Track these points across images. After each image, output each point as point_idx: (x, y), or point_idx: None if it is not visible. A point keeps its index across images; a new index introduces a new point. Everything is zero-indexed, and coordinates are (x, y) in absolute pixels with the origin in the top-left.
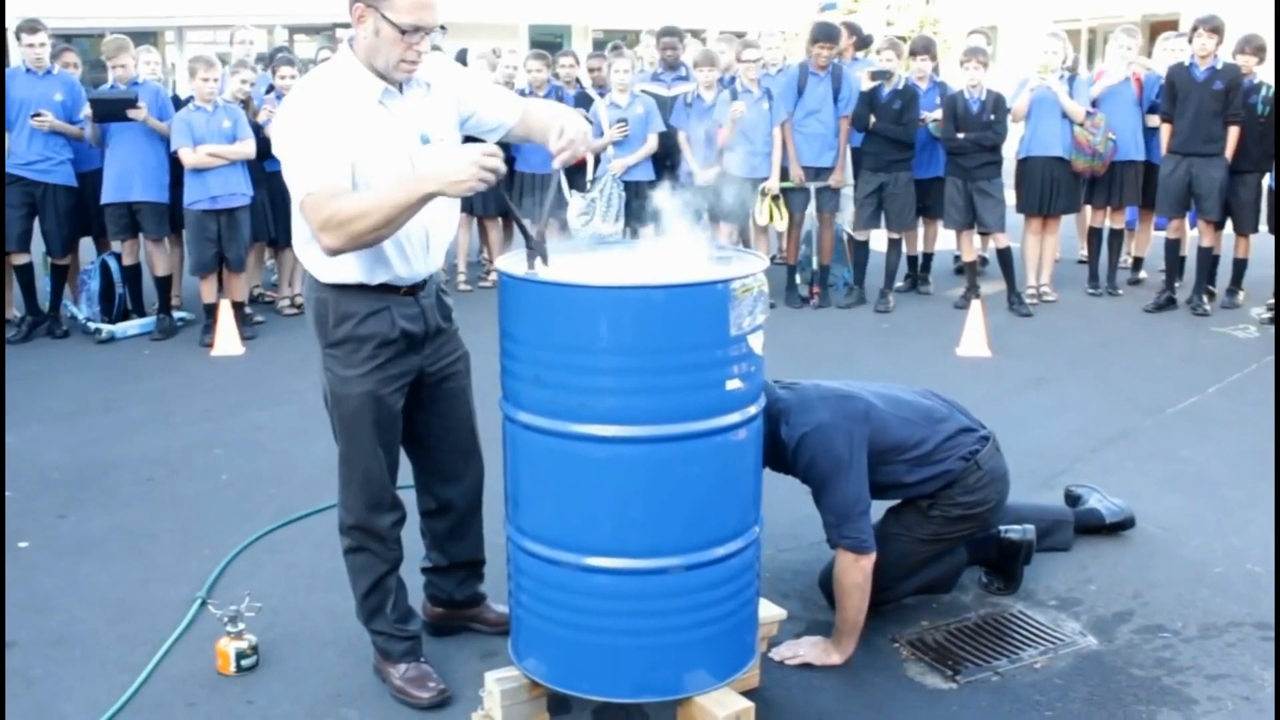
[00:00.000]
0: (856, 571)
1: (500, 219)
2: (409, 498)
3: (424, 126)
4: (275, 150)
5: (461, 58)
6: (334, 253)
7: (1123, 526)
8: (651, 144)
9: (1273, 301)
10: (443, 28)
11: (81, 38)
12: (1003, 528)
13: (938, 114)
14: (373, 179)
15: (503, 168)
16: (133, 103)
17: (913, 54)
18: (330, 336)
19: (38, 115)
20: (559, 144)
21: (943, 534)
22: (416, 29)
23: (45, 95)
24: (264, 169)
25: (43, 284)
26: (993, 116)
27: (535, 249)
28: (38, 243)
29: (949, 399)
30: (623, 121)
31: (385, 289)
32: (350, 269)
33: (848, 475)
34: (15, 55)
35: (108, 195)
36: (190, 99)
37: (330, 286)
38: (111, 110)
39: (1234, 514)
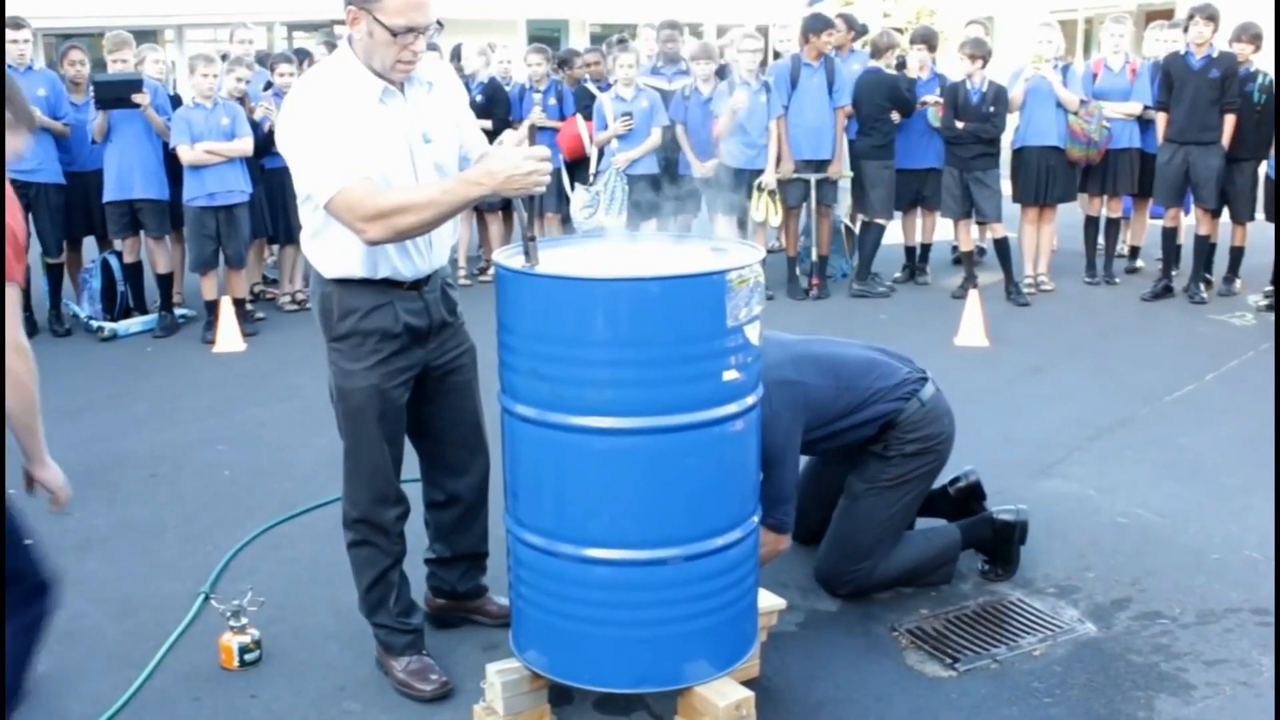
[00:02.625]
0: (774, 545)
1: (500, 213)
2: (412, 491)
3: (426, 125)
4: (282, 150)
5: (456, 53)
6: (375, 243)
7: (1010, 532)
8: (655, 138)
9: (1269, 289)
10: (439, 24)
11: (81, 36)
12: (996, 509)
13: (934, 99)
14: (376, 178)
15: (548, 156)
16: (138, 85)
17: (912, 44)
18: (334, 331)
19: None
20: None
21: (905, 475)
22: (409, 30)
23: (29, 92)
24: (262, 166)
25: (40, 284)
26: (992, 109)
27: (530, 245)
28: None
29: (895, 354)
30: (627, 115)
31: (389, 284)
32: (353, 264)
33: (784, 464)
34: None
35: (109, 194)
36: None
37: (334, 281)
38: (116, 93)
39: (1231, 500)
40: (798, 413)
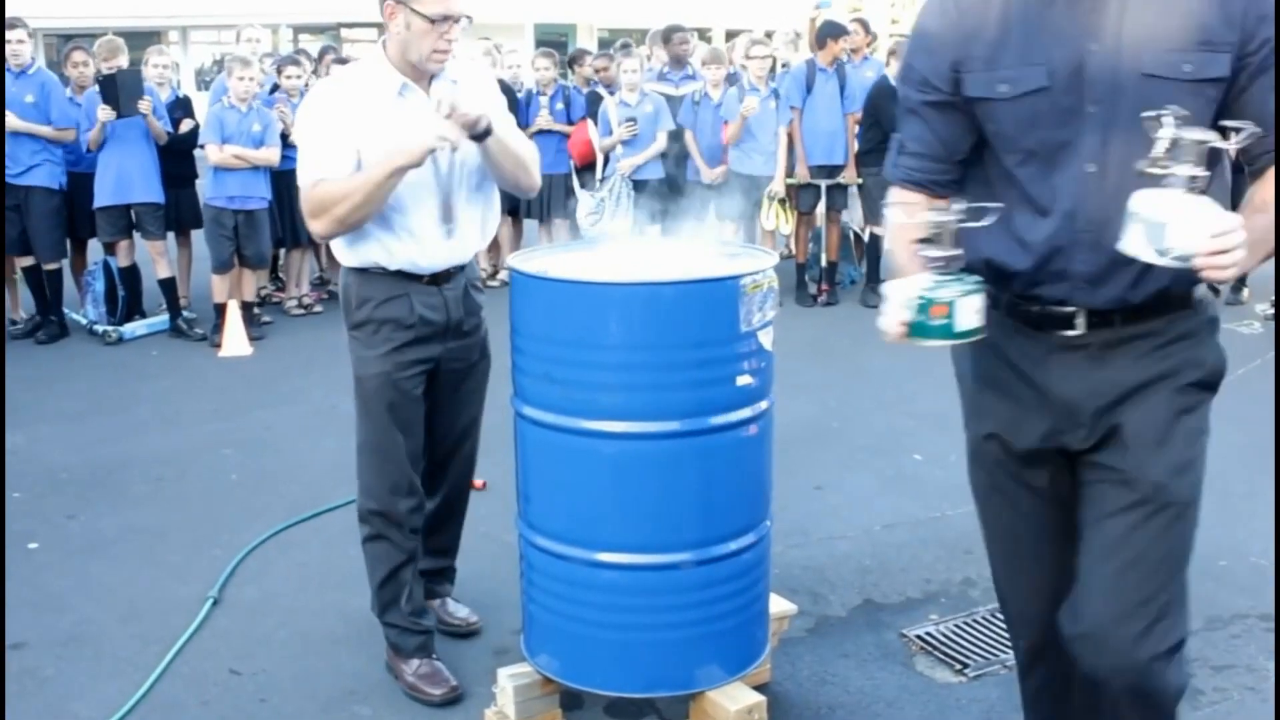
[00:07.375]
0: None
1: (510, 217)
2: None
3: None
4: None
5: None
6: (323, 238)
7: None
8: (661, 142)
9: (1276, 298)
10: (469, 18)
11: (85, 36)
12: None
13: None
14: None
15: (454, 133)
16: (138, 76)
17: None
18: (352, 318)
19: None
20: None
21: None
22: (445, 17)
23: (16, 96)
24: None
25: (21, 293)
26: None
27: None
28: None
29: None
30: (632, 120)
31: (406, 276)
32: (367, 254)
33: None
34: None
35: (105, 198)
36: (217, 100)
37: (354, 271)
38: (119, 92)
39: (1238, 507)
40: None
